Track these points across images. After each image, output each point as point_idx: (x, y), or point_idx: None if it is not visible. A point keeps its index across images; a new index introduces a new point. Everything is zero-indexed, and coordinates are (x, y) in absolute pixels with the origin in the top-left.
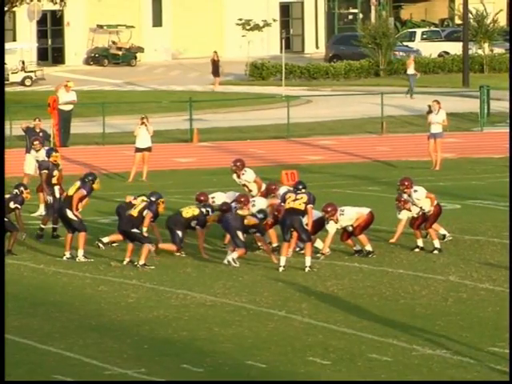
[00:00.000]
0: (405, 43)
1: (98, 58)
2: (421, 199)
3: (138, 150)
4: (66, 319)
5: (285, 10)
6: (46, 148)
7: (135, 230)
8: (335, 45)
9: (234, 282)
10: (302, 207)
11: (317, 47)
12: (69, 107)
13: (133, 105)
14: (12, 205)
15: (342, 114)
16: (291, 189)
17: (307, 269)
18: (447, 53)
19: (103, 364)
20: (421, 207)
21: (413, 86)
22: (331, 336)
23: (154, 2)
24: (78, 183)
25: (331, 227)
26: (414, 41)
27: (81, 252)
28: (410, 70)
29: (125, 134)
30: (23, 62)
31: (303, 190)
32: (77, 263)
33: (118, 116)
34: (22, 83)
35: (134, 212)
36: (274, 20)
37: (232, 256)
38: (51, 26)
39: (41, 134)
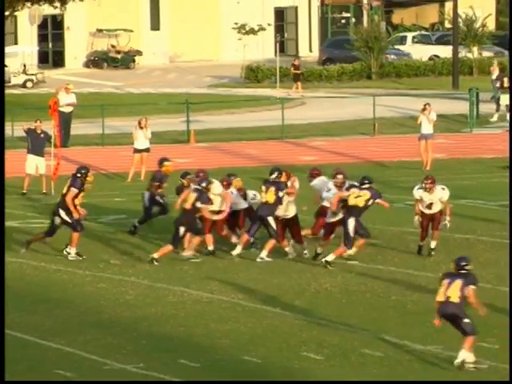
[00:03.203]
0: (396, 47)
1: (97, 61)
2: (445, 199)
3: (137, 150)
4: (66, 316)
5: (279, 14)
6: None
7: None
8: (328, 48)
9: (229, 280)
10: (362, 204)
11: (310, 51)
12: (69, 109)
13: (131, 107)
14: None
15: (335, 116)
16: (356, 184)
17: (323, 261)
18: (437, 56)
19: (103, 359)
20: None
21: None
22: (325, 332)
23: (151, 7)
24: (69, 180)
25: None
26: (405, 44)
27: (73, 250)
28: (495, 75)
29: (123, 136)
30: (24, 65)
31: (367, 186)
32: (78, 262)
33: (116, 118)
34: (24, 86)
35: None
36: (269, 24)
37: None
38: (52, 30)
39: (42, 135)
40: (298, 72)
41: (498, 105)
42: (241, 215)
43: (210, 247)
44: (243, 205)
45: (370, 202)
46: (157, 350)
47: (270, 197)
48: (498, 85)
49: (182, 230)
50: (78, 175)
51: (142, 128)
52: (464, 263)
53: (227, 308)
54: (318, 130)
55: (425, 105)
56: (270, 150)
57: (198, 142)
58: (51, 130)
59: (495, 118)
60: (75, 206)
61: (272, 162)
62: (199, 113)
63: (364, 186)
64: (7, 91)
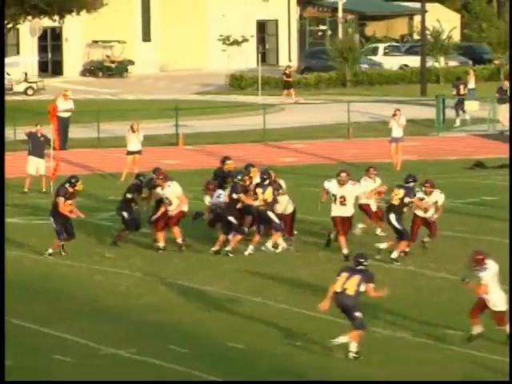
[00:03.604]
0: (369, 57)
1: (93, 70)
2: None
3: (130, 152)
4: (63, 305)
5: (261, 27)
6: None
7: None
8: (306, 58)
9: (215, 272)
10: (397, 202)
11: (290, 60)
12: (67, 114)
13: (124, 112)
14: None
15: (313, 121)
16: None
17: (390, 259)
18: (407, 65)
19: (98, 345)
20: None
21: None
22: (303, 319)
23: (143, 20)
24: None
25: None
26: (377, 55)
27: (49, 251)
28: (471, 85)
29: (117, 139)
30: (26, 74)
31: (410, 185)
32: (75, 256)
33: (111, 122)
34: (25, 93)
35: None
36: (252, 36)
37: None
38: (51, 42)
39: (42, 139)
40: (290, 80)
41: (458, 111)
42: None
43: (161, 244)
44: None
45: (406, 200)
46: (148, 336)
47: (268, 196)
48: (454, 92)
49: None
50: (66, 184)
51: (134, 132)
52: (362, 260)
53: (213, 298)
54: (297, 133)
55: (395, 110)
56: (253, 152)
57: (187, 144)
58: (50, 134)
59: (458, 123)
60: (53, 213)
61: (254, 163)
62: (187, 118)
63: (407, 184)
64: (10, 98)
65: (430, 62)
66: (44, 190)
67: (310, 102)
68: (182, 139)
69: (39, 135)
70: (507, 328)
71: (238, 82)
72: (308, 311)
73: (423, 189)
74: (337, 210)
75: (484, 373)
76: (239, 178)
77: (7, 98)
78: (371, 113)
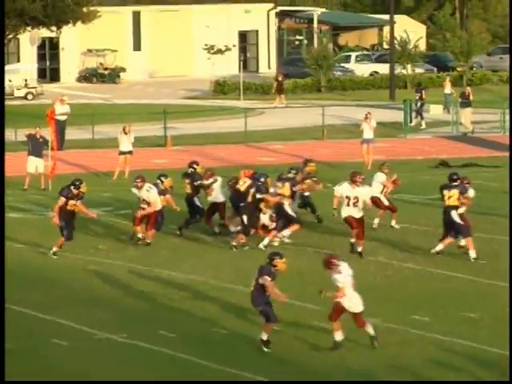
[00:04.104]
0: (342, 64)
1: (88, 76)
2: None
3: (121, 153)
4: (60, 294)
5: (242, 37)
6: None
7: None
8: (284, 65)
9: (200, 262)
10: (457, 202)
11: (269, 67)
12: (64, 117)
13: (117, 116)
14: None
15: (290, 123)
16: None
17: (473, 260)
18: (377, 72)
19: (92, 330)
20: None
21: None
22: (282, 307)
23: (134, 30)
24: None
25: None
26: (349, 62)
27: (53, 249)
28: (447, 90)
29: (110, 140)
30: (26, 80)
31: (456, 183)
32: (71, 248)
33: (104, 125)
34: (25, 97)
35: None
36: (234, 45)
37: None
38: (49, 50)
39: (41, 140)
40: (282, 86)
41: (421, 114)
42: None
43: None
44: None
45: (462, 198)
46: (139, 322)
47: (285, 191)
48: (417, 97)
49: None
50: (71, 186)
51: (126, 134)
52: (274, 256)
53: (199, 286)
54: (275, 135)
55: (366, 114)
56: (235, 152)
57: (174, 145)
58: (49, 136)
59: (424, 125)
60: (60, 212)
61: (236, 162)
62: (175, 121)
63: (454, 184)
64: (11, 102)
65: (398, 70)
66: (42, 187)
67: (288, 106)
68: (170, 140)
69: (38, 137)
70: (369, 329)
71: (222, 88)
72: (290, 299)
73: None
74: (349, 211)
75: (446, 355)
76: (262, 180)
77: (8, 102)
78: (344, 116)
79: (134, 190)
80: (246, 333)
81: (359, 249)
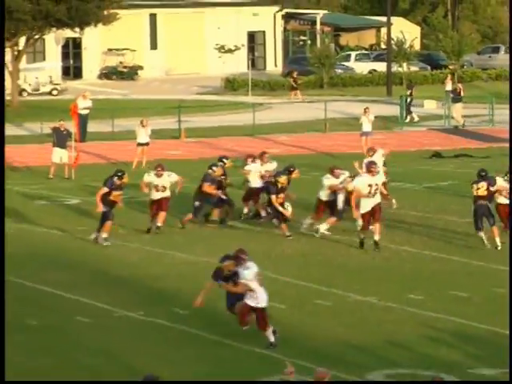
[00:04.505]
0: (343, 63)
1: (108, 74)
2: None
3: (139, 144)
4: (82, 274)
5: (251, 37)
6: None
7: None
8: (290, 64)
9: (211, 246)
10: (485, 193)
11: (275, 66)
12: (86, 111)
13: (135, 110)
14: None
15: (295, 117)
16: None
17: (499, 247)
18: (375, 70)
19: (112, 308)
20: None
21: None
22: (286, 286)
23: (151, 31)
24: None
25: None
26: (349, 61)
27: (104, 235)
28: (448, 87)
29: (129, 133)
30: (51, 77)
31: (483, 175)
32: (92, 231)
33: (123, 118)
34: (50, 93)
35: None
36: (243, 45)
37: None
38: (72, 50)
39: (65, 132)
40: (297, 83)
41: (410, 109)
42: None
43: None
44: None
45: (492, 189)
46: (155, 301)
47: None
48: (408, 93)
49: None
50: (114, 177)
51: (143, 126)
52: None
53: (209, 267)
54: (281, 128)
55: (365, 108)
56: (244, 144)
57: (188, 137)
58: (72, 128)
59: (416, 118)
60: (101, 200)
61: (246, 153)
62: (188, 114)
63: (483, 174)
64: (37, 98)
65: (394, 68)
66: (66, 176)
67: (293, 101)
68: (184, 133)
69: (62, 129)
70: (268, 333)
71: (232, 84)
72: (292, 279)
73: (505, 178)
74: (371, 201)
75: (439, 331)
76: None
77: (35, 97)
78: (345, 110)
79: (152, 178)
80: None
81: (376, 237)
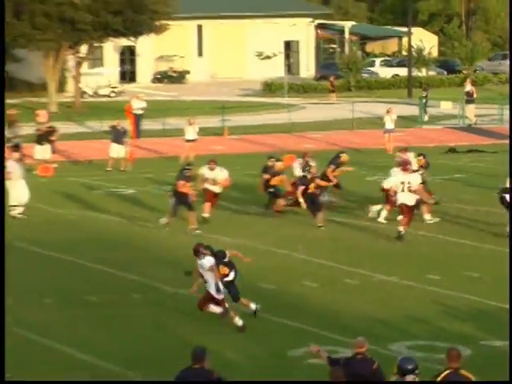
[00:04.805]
0: (368, 68)
1: (160, 78)
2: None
3: (187, 141)
4: (135, 255)
5: (287, 45)
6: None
7: None
8: (321, 69)
9: (250, 231)
10: None
11: (308, 71)
12: (140, 111)
13: (183, 110)
14: None
15: (326, 116)
16: None
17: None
18: (397, 75)
19: (160, 285)
20: None
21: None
22: (318, 267)
23: (198, 40)
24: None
25: None
26: (374, 66)
27: (192, 226)
28: (467, 88)
29: (178, 130)
30: (109, 81)
31: None
32: (139, 219)
33: (173, 117)
34: (109, 95)
35: None
36: (280, 52)
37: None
38: (128, 56)
39: (121, 130)
40: (334, 86)
41: (426, 109)
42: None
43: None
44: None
45: None
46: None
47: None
48: (424, 94)
49: None
50: (184, 170)
51: (190, 125)
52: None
53: (248, 249)
54: (314, 126)
55: (388, 108)
56: (281, 140)
57: (230, 134)
58: (128, 126)
59: (426, 118)
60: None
61: (282, 148)
62: (231, 114)
63: None
64: (97, 99)
65: (414, 72)
66: (122, 168)
67: (324, 102)
68: (227, 130)
69: (119, 127)
70: (236, 320)
71: (269, 87)
72: (324, 261)
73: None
74: (404, 197)
75: (454, 308)
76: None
77: (95, 99)
78: (370, 111)
79: (205, 171)
80: (289, 288)
81: (401, 229)
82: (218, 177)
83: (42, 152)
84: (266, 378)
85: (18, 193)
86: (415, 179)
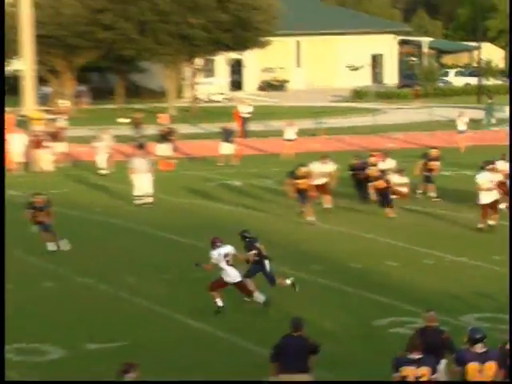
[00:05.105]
0: (444, 78)
1: (263, 86)
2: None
3: (287, 140)
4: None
5: (373, 58)
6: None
7: None
8: (403, 79)
9: (344, 218)
10: None
11: (392, 80)
12: (247, 115)
13: (283, 114)
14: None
15: (406, 119)
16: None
17: None
18: (469, 84)
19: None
20: None
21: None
22: (399, 249)
23: (296, 53)
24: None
25: None
26: (449, 77)
27: (309, 217)
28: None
29: (278, 132)
30: (220, 89)
31: None
32: (273, 209)
33: (275, 120)
34: (220, 101)
35: None
36: (367, 64)
37: None
38: (236, 68)
39: (231, 131)
40: (418, 94)
41: (491, 113)
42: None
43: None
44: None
45: None
46: (300, 259)
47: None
48: (489, 100)
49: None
50: (296, 169)
51: (290, 126)
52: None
53: (342, 234)
54: (396, 128)
55: (461, 112)
56: (367, 140)
57: (325, 135)
58: (236, 128)
59: (492, 121)
60: (293, 189)
61: (368, 148)
62: (324, 117)
63: None
64: (210, 104)
65: (483, 81)
66: (232, 164)
67: (405, 107)
68: (321, 131)
69: (229, 128)
70: (255, 295)
71: (358, 94)
72: (404, 244)
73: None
74: (490, 196)
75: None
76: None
77: (208, 104)
78: (445, 115)
79: (317, 166)
80: (375, 268)
81: (492, 222)
82: (329, 170)
83: (164, 150)
84: (355, 345)
85: (142, 185)
86: (498, 178)
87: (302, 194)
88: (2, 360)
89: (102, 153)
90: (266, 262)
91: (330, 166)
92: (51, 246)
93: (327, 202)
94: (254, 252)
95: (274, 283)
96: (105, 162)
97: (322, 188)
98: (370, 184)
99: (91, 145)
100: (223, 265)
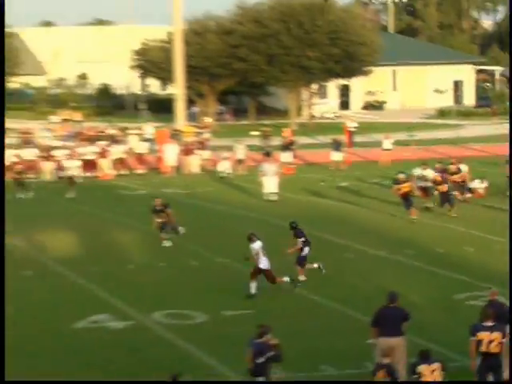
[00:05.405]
0: None
1: (367, 106)
2: None
3: (385, 150)
4: (346, 228)
5: (455, 84)
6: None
7: None
8: (479, 100)
9: (432, 213)
10: None
11: (470, 101)
12: (353, 129)
13: (382, 128)
14: None
15: (483, 133)
16: None
17: None
18: None
19: (368, 249)
20: None
21: None
22: (475, 237)
23: (393, 79)
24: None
25: None
26: None
27: (413, 216)
28: None
29: (377, 143)
30: (332, 108)
31: None
32: (355, 205)
33: (375, 134)
34: (331, 118)
35: None
36: (450, 88)
37: None
38: (345, 91)
39: (340, 142)
40: (495, 113)
41: None
42: None
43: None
44: None
45: None
46: (395, 245)
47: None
48: None
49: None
50: (399, 174)
51: (387, 138)
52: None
53: (428, 226)
54: (473, 140)
55: None
56: (450, 150)
57: (415, 145)
58: (344, 140)
59: None
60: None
61: (451, 156)
62: (416, 131)
63: None
64: (323, 121)
65: None
66: (341, 168)
67: (481, 124)
68: (413, 143)
69: (338, 140)
70: (282, 280)
71: (442, 113)
72: (479, 233)
73: None
74: None
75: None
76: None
77: (322, 121)
78: None
79: (419, 172)
80: (455, 251)
81: None
82: (429, 175)
83: (286, 157)
84: (438, 314)
85: (269, 185)
86: None
87: (406, 197)
88: (1, 360)
89: (223, 160)
90: (307, 249)
91: (429, 172)
92: (166, 243)
93: (428, 201)
94: (302, 240)
95: (303, 265)
96: (227, 167)
97: (423, 190)
98: (437, 187)
99: (217, 153)
100: (261, 255)
